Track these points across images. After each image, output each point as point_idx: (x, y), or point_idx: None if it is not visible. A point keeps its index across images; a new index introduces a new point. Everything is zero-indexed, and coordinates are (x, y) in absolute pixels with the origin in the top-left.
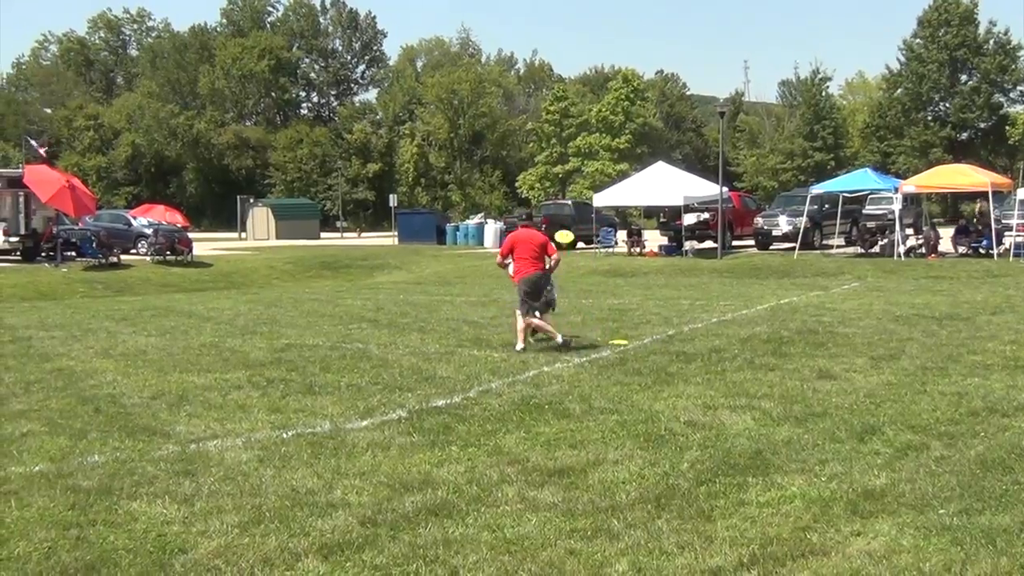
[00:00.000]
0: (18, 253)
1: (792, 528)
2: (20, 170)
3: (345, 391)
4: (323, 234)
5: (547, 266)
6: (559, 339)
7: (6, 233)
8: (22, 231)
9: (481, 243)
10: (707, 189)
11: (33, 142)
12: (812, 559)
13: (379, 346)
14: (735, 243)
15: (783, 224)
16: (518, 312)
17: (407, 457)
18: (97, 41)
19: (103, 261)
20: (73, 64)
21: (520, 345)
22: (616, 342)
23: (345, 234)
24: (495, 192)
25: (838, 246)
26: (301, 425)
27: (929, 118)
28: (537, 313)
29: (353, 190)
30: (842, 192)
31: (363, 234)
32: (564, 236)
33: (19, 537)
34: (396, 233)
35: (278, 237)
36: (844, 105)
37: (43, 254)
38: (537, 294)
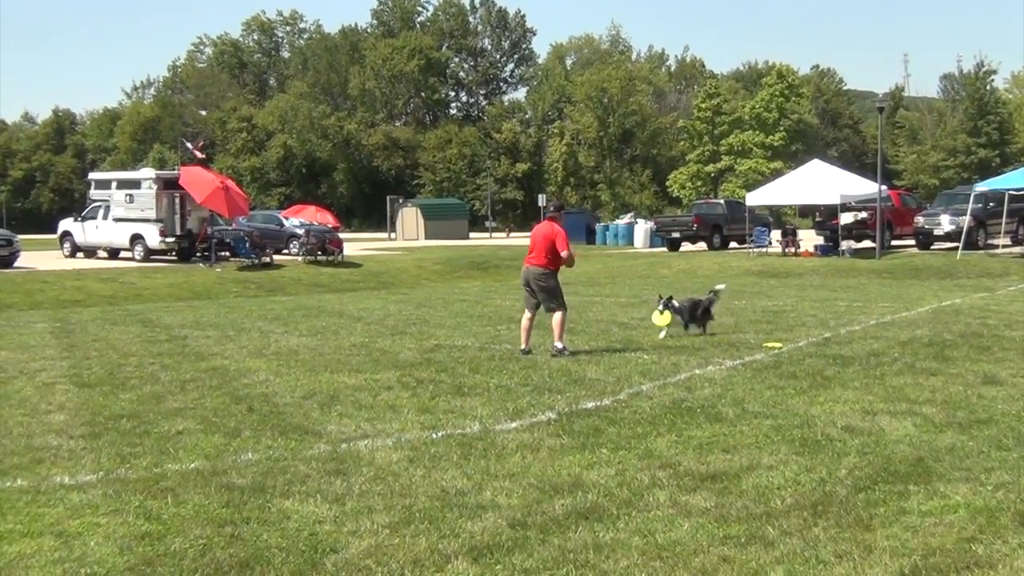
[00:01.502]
0: (174, 253)
1: (956, 539)
2: (176, 172)
3: (494, 392)
4: (472, 234)
5: (547, 262)
6: (556, 345)
7: (163, 234)
8: (178, 232)
9: (631, 243)
10: (865, 187)
11: (188, 144)
12: (977, 571)
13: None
14: (894, 243)
15: (945, 223)
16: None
17: (557, 459)
18: (251, 44)
19: (256, 261)
20: (227, 66)
21: (559, 345)
22: (770, 345)
23: (494, 234)
24: (645, 191)
25: (1004, 246)
26: (451, 426)
27: None
28: (528, 313)
29: (502, 190)
30: (1008, 190)
31: (512, 234)
32: (662, 319)
33: (175, 534)
34: None
35: (427, 237)
36: (1010, 99)
37: (198, 254)
38: (530, 288)
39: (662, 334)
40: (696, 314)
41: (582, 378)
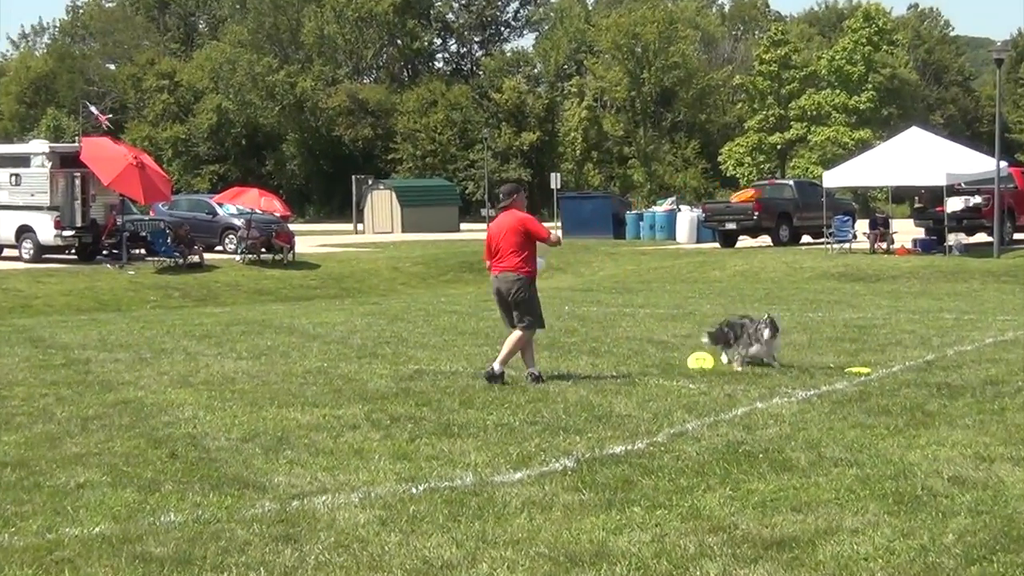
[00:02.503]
0: (73, 251)
1: None
2: (76, 144)
3: (493, 433)
4: (464, 225)
5: (520, 264)
6: (493, 366)
7: (58, 226)
8: (78, 223)
9: (672, 236)
10: (979, 164)
11: (93, 108)
12: None
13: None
14: (1018, 236)
15: None
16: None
17: (575, 521)
18: None
19: (181, 261)
20: (143, 7)
21: (501, 368)
22: (855, 370)
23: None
24: (690, 169)
25: None
26: (436, 477)
27: None
28: (519, 331)
29: (503, 167)
30: None
31: None
32: (700, 360)
33: None
34: (559, 224)
35: (404, 229)
36: None
37: (104, 252)
38: (505, 304)
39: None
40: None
41: (608, 414)
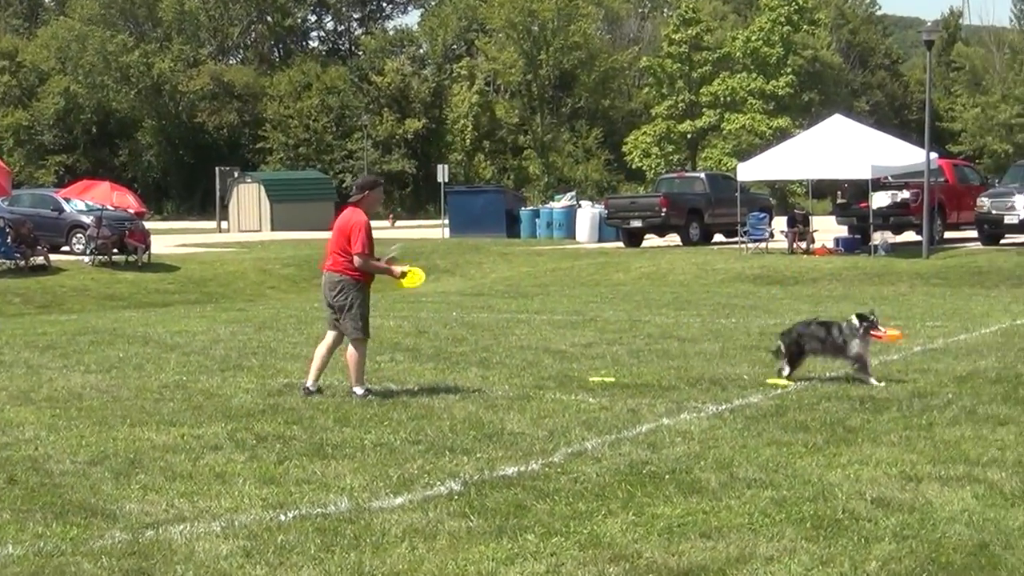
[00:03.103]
0: None
1: None
2: None
3: (371, 453)
4: None
5: (344, 266)
6: (307, 382)
7: None
8: None
9: (572, 235)
10: (907, 155)
11: None
12: None
13: (421, 387)
14: (948, 235)
15: (1021, 207)
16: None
17: (462, 550)
18: None
19: (22, 263)
20: None
21: (358, 391)
22: (773, 382)
23: (372, 222)
24: (592, 160)
25: None
26: (307, 503)
27: None
28: (350, 342)
29: (385, 158)
30: None
31: (398, 222)
32: (412, 278)
33: None
34: (447, 221)
35: (274, 227)
36: None
37: None
38: (327, 302)
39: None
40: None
41: (499, 432)
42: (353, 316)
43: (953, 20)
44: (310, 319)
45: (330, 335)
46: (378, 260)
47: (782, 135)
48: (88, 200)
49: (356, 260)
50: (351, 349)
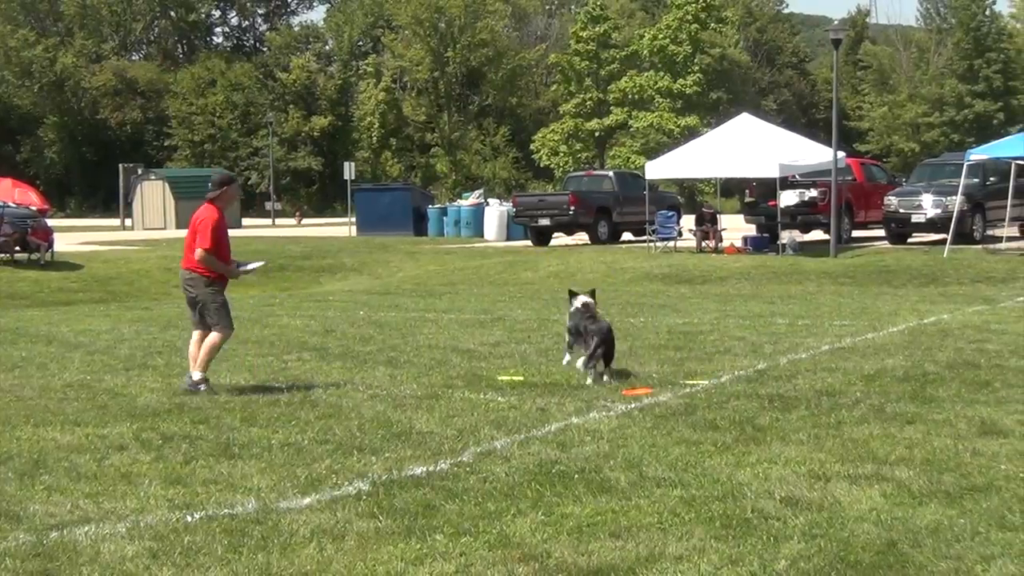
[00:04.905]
0: None
1: None
2: None
3: (278, 453)
4: (246, 220)
5: (196, 263)
6: (195, 376)
7: None
8: None
9: (480, 233)
10: (815, 154)
11: None
12: None
13: (328, 386)
14: (856, 234)
15: (928, 206)
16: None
17: (370, 551)
18: None
19: None
20: None
21: (196, 375)
22: (687, 382)
23: (278, 220)
24: (500, 158)
25: (1009, 238)
26: (213, 504)
27: None
28: (214, 332)
29: (291, 155)
30: (1016, 159)
31: (304, 220)
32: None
33: None
34: (354, 219)
35: (180, 225)
36: (1019, 30)
37: None
38: (190, 303)
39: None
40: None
41: (408, 431)
42: (209, 311)
43: (860, 19)
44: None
45: (196, 333)
46: (235, 262)
47: (690, 134)
48: None
49: (197, 253)
50: (212, 335)
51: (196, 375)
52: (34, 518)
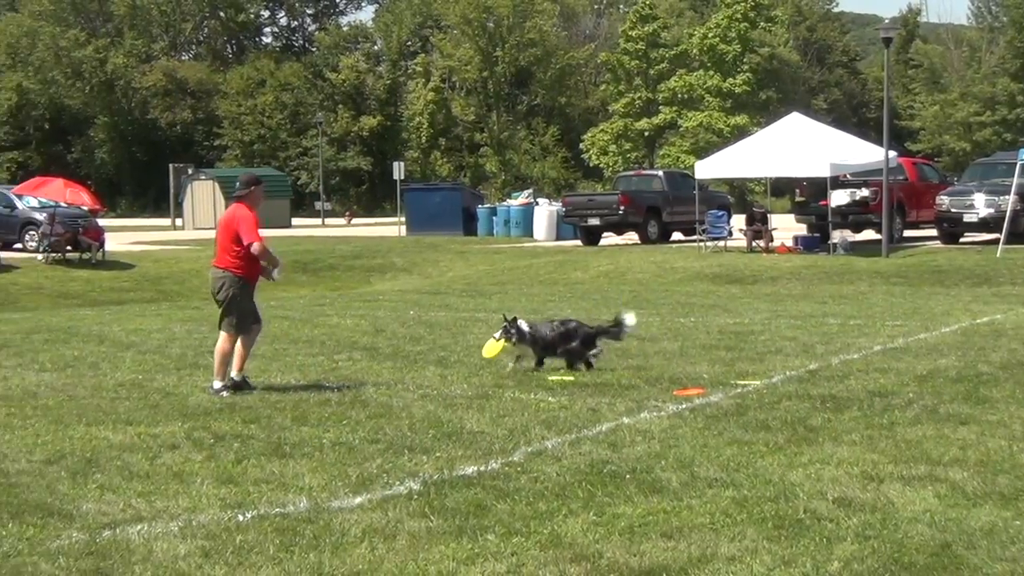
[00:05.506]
0: None
1: None
2: None
3: (330, 452)
4: (296, 220)
5: (230, 263)
6: (224, 379)
7: None
8: None
9: (529, 233)
10: (866, 153)
11: None
12: None
13: (379, 386)
14: (908, 234)
15: (980, 205)
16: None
17: (422, 550)
18: None
19: None
20: None
21: (217, 383)
22: (738, 382)
23: (328, 220)
24: (550, 158)
25: None
26: (265, 503)
27: None
28: (222, 333)
29: (340, 155)
30: None
31: (354, 220)
32: (491, 349)
33: None
34: (403, 219)
35: None
36: None
37: None
38: (216, 299)
39: (509, 366)
40: (564, 347)
41: (458, 431)
42: (233, 307)
43: (911, 17)
44: (266, 318)
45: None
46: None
47: (740, 133)
48: (41, 197)
49: (255, 246)
50: (219, 342)
51: (217, 384)
52: (87, 516)
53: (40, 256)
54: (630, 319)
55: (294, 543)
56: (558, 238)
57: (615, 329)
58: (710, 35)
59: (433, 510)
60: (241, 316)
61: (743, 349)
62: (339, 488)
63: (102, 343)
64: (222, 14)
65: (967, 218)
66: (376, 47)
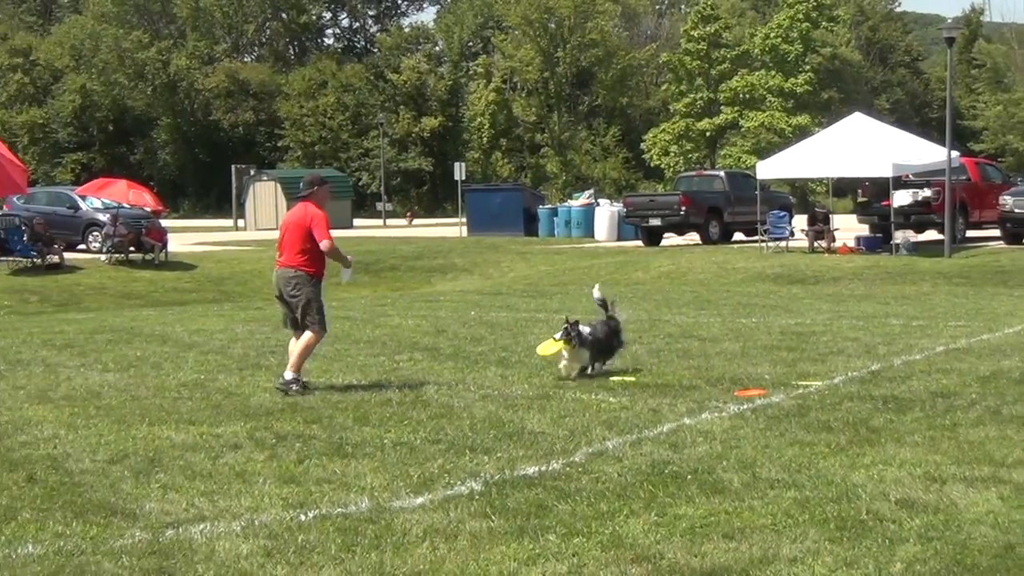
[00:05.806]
0: None
1: None
2: None
3: (391, 453)
4: (357, 221)
5: (301, 262)
6: (284, 375)
7: None
8: None
9: (590, 233)
10: (929, 153)
11: None
12: None
13: (440, 386)
14: (971, 234)
15: None
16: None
17: (483, 550)
18: None
19: (38, 261)
20: None
21: (289, 375)
22: (800, 383)
23: (390, 220)
24: (610, 159)
25: None
26: (327, 502)
27: None
28: (307, 332)
29: (401, 156)
30: None
31: (416, 220)
32: (547, 348)
33: None
34: (465, 219)
35: None
36: None
37: None
38: (283, 299)
39: (563, 370)
40: (614, 342)
41: (519, 431)
42: (311, 310)
43: (974, 17)
44: (328, 318)
45: (294, 333)
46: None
47: (802, 133)
48: (104, 198)
49: (324, 244)
50: (305, 335)
51: (288, 375)
52: (150, 516)
53: (103, 257)
54: (596, 292)
55: (355, 543)
56: (619, 239)
57: (614, 320)
58: (772, 35)
59: (494, 510)
60: (323, 311)
61: (804, 350)
62: (400, 488)
63: (164, 343)
64: (284, 16)
65: None
66: (437, 48)
